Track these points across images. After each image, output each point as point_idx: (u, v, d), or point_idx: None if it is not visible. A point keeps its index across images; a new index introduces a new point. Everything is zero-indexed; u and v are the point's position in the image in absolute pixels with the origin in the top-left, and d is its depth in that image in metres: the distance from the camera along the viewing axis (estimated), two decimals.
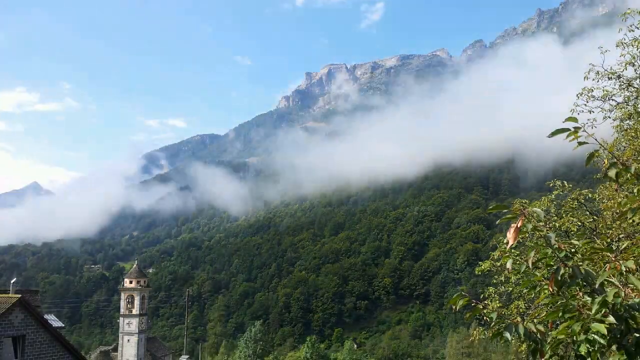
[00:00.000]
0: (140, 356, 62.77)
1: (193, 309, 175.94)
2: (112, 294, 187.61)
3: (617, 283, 3.86)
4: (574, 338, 3.69)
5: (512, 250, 5.17)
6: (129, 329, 63.44)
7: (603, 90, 12.62)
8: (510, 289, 13.62)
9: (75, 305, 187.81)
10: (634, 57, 11.98)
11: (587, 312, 3.76)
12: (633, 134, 11.76)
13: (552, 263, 4.04)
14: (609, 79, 12.55)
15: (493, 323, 4.07)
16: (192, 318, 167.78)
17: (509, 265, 4.24)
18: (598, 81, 12.73)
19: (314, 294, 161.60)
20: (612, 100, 12.95)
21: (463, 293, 4.26)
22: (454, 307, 4.25)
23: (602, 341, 3.59)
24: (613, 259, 4.11)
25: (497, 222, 4.58)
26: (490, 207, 4.27)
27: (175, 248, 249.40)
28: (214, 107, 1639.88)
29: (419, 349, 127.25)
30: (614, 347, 3.69)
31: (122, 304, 65.46)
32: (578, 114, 12.44)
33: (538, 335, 3.91)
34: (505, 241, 4.13)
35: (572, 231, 12.19)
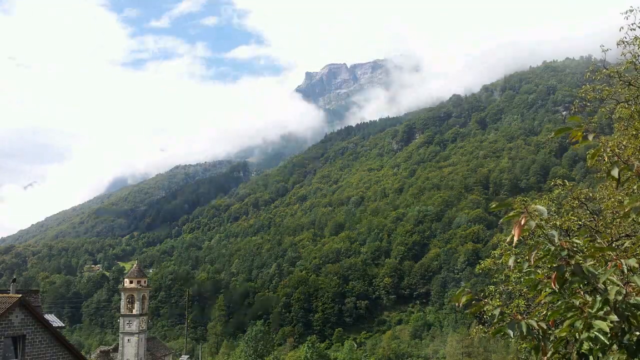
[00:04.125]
0: (141, 356, 62.73)
1: (193, 309, 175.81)
2: (112, 294, 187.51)
3: (618, 282, 3.85)
4: (576, 336, 3.68)
5: (514, 249, 5.16)
6: (129, 329, 63.36)
7: (604, 90, 12.61)
8: (511, 287, 13.62)
9: (75, 305, 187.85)
10: (634, 57, 11.96)
11: (589, 310, 3.76)
12: (634, 132, 11.75)
13: (554, 261, 4.03)
14: (610, 77, 12.54)
15: (495, 320, 4.06)
16: (192, 318, 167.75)
17: (511, 262, 4.23)
18: (599, 79, 12.71)
19: (315, 293, 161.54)
20: (613, 99, 12.94)
21: (466, 289, 4.25)
22: (457, 303, 4.24)
23: (604, 339, 3.58)
24: (614, 257, 4.10)
25: (500, 221, 4.57)
26: (493, 206, 4.25)
27: (175, 248, 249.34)
28: None
29: (419, 349, 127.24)
30: (614, 346, 3.68)
31: (122, 304, 65.37)
32: (580, 113, 12.43)
33: (540, 332, 3.90)
34: (508, 240, 4.12)
35: (572, 230, 12.19)
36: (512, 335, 3.86)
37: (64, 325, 52.06)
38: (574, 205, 13.49)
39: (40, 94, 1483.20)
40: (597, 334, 3.61)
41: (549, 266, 4.13)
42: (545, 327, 3.93)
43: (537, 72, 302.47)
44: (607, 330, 3.56)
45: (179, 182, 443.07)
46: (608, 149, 4.58)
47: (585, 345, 3.63)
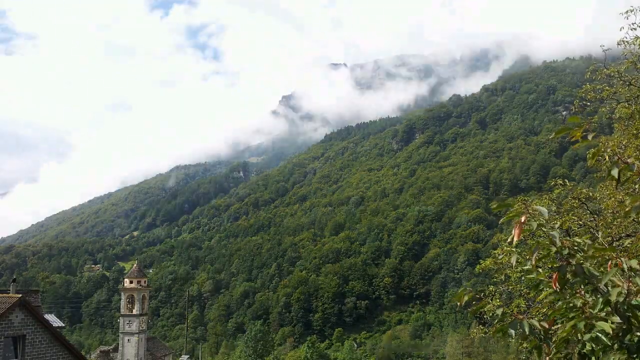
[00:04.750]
0: (141, 356, 62.74)
1: (193, 309, 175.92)
2: (112, 294, 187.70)
3: (619, 282, 3.85)
4: (578, 336, 3.67)
5: (514, 248, 5.14)
6: (129, 329, 63.39)
7: (604, 89, 12.59)
8: (511, 287, 13.61)
9: (75, 305, 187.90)
10: (635, 56, 11.93)
11: (590, 310, 3.75)
12: (634, 132, 11.74)
13: (555, 262, 4.02)
14: (611, 77, 12.52)
15: (496, 320, 4.05)
16: (192, 318, 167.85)
17: (513, 260, 4.22)
18: (599, 79, 12.69)
19: (314, 293, 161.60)
20: (614, 99, 12.92)
21: (468, 289, 4.24)
22: (458, 303, 4.23)
23: (606, 340, 3.57)
24: (615, 257, 4.09)
25: (500, 221, 4.56)
26: (495, 206, 4.24)
27: (175, 248, 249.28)
28: None
29: (419, 349, 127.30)
30: (615, 346, 3.67)
31: (123, 304, 65.40)
32: (580, 113, 12.42)
33: (541, 332, 3.89)
34: (509, 240, 4.11)
35: (573, 230, 12.17)
36: (513, 336, 3.85)
37: (64, 325, 52.05)
38: (574, 205, 13.48)
39: (39, 92, 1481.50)
40: (599, 334, 3.60)
41: (550, 266, 4.12)
42: (546, 327, 3.92)
43: (537, 72, 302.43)
44: (610, 331, 3.55)
45: (179, 182, 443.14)
46: (609, 149, 4.56)
47: (587, 346, 3.62)
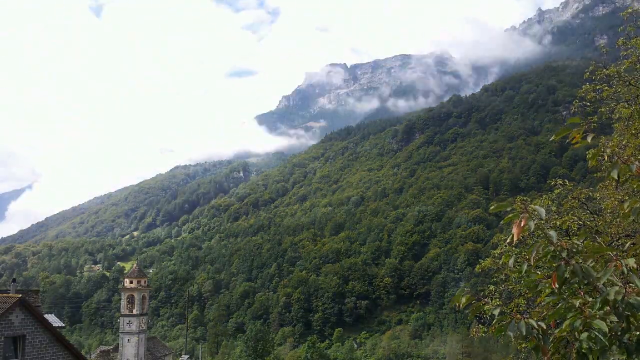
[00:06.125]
0: (141, 356, 62.72)
1: (193, 309, 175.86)
2: (112, 294, 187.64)
3: (617, 282, 3.85)
4: (576, 335, 3.68)
5: (513, 249, 5.16)
6: (129, 328, 63.39)
7: (604, 89, 12.59)
8: (511, 287, 13.61)
9: (75, 305, 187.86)
10: (636, 57, 11.93)
11: (589, 309, 3.76)
12: (633, 131, 11.74)
13: (554, 262, 4.02)
14: (610, 77, 12.52)
15: (495, 320, 4.06)
16: (192, 318, 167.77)
17: (511, 263, 4.22)
18: (599, 79, 12.68)
19: (314, 293, 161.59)
20: (613, 99, 12.92)
21: (466, 289, 4.24)
22: (457, 305, 4.23)
23: (603, 339, 3.58)
24: (614, 257, 4.10)
25: (501, 222, 4.56)
26: (493, 207, 4.24)
27: (175, 248, 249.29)
28: None
29: (419, 349, 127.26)
30: (614, 346, 3.68)
31: (123, 303, 65.40)
32: (580, 113, 12.41)
33: (540, 332, 3.90)
34: (508, 240, 4.12)
35: (572, 230, 12.17)
36: (512, 337, 3.85)
37: (64, 325, 52.07)
38: (574, 205, 13.47)
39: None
40: (596, 333, 3.61)
41: (549, 266, 4.13)
42: (545, 327, 3.93)
43: (537, 72, 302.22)
44: (607, 330, 3.56)
45: (179, 182, 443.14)
46: (608, 149, 4.56)
47: (585, 345, 3.63)
